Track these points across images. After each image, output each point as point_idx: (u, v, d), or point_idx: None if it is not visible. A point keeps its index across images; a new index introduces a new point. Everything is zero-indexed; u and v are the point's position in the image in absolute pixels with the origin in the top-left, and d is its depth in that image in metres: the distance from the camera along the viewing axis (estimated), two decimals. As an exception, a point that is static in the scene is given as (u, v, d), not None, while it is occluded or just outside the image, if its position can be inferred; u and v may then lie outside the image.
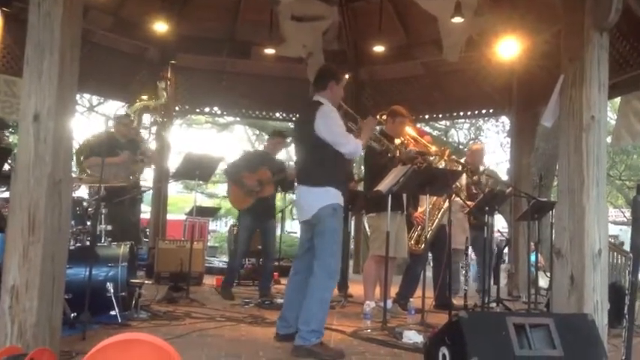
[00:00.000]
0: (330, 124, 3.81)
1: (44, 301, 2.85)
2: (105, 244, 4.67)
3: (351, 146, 3.86)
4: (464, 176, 5.91)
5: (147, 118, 7.34)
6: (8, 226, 2.88)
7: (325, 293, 3.72)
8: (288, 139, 8.82)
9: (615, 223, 21.35)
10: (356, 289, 6.69)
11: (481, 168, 6.59)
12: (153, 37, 8.30)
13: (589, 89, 3.61)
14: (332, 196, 3.80)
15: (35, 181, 2.86)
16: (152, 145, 6.04)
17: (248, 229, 6.37)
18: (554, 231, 3.99)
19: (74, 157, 5.70)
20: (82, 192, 5.00)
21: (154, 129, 7.17)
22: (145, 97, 6.55)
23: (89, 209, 4.58)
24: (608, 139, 6.86)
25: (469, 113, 9.83)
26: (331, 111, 3.89)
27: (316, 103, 3.92)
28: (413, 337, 4.07)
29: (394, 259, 5.35)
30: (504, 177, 9.02)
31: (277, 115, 10.37)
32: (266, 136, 12.10)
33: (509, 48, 7.26)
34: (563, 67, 3.77)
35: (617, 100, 7.91)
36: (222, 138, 22.34)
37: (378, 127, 5.39)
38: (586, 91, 3.61)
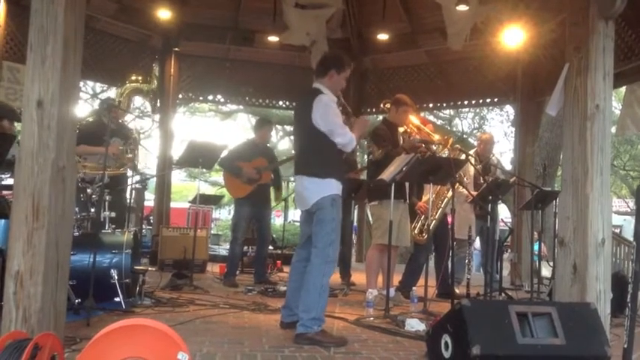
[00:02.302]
0: (327, 114, 3.78)
1: (48, 287, 2.86)
2: (109, 231, 4.68)
3: (347, 138, 3.81)
4: (471, 167, 5.90)
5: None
6: (12, 213, 2.89)
7: (323, 279, 3.71)
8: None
9: (619, 213, 21.31)
10: (358, 277, 6.71)
11: (492, 157, 6.58)
12: (156, 24, 8.29)
13: (594, 78, 3.59)
14: (332, 186, 3.78)
15: (39, 167, 2.86)
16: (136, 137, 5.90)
17: (246, 217, 6.43)
18: (557, 220, 3.99)
19: None
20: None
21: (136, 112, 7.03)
22: (133, 78, 6.46)
23: (92, 196, 4.58)
24: (613, 129, 6.83)
25: (473, 102, 9.82)
26: (330, 100, 3.85)
27: (315, 91, 3.88)
28: (415, 325, 4.08)
29: (397, 247, 5.36)
30: (508, 166, 9.00)
31: (280, 103, 10.35)
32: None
33: (514, 36, 7.23)
34: (568, 55, 3.75)
35: (622, 89, 7.87)
36: (225, 126, 22.36)
37: (381, 116, 5.39)
38: (591, 79, 3.59)
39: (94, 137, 5.26)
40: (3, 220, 4.05)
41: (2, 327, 2.81)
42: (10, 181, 4.06)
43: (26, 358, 1.93)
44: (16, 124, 5.14)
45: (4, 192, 4.07)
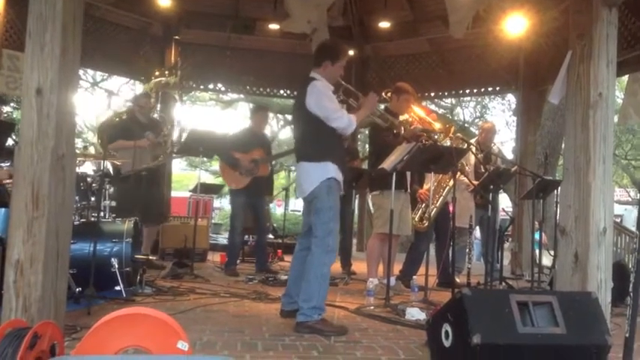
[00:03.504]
0: (320, 100, 3.76)
1: (48, 276, 2.85)
2: (109, 219, 4.68)
3: (344, 121, 3.78)
4: (472, 155, 5.88)
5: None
6: (12, 201, 2.88)
7: (324, 269, 3.71)
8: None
9: (620, 202, 21.31)
10: (359, 266, 6.71)
11: (493, 146, 6.55)
12: (157, 12, 8.23)
13: (597, 66, 3.56)
14: (328, 170, 3.76)
15: (39, 155, 2.84)
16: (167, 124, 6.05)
17: (242, 207, 6.43)
18: (559, 209, 3.98)
19: (97, 138, 5.76)
20: (87, 168, 5.00)
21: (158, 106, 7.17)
22: (158, 73, 6.55)
23: (93, 185, 4.58)
24: (615, 118, 6.79)
25: (475, 91, 9.80)
26: (323, 86, 3.83)
27: (309, 79, 3.87)
28: (416, 314, 4.09)
29: (397, 236, 5.35)
30: (509, 155, 8.98)
31: (281, 92, 10.31)
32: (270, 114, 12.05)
33: (516, 24, 7.17)
34: (571, 43, 3.72)
35: (624, 78, 7.83)
36: (226, 115, 22.32)
37: (382, 105, 5.35)
38: (594, 67, 3.56)
39: (128, 132, 5.37)
40: (3, 209, 4.05)
41: (2, 316, 2.81)
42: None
43: (25, 347, 1.93)
44: (17, 113, 5.15)
45: (5, 180, 4.06)
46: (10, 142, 3.95)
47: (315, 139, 3.81)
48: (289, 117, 19.01)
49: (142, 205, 5.37)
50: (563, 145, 6.85)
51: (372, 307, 4.50)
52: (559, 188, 5.27)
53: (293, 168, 9.02)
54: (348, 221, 6.75)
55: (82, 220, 4.49)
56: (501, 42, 7.94)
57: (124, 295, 4.15)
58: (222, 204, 23.31)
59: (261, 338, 3.36)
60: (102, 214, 4.68)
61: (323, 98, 3.77)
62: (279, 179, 21.85)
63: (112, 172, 5.39)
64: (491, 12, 7.12)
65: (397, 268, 5.70)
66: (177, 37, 8.73)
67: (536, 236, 6.53)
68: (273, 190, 7.33)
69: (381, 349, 3.25)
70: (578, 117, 3.61)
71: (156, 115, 6.26)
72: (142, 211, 5.27)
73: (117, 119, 5.79)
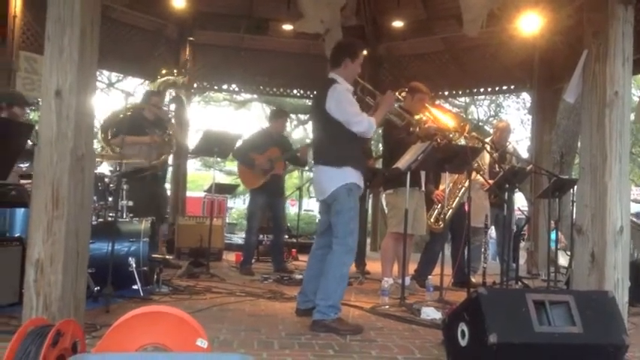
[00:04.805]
0: (341, 104, 3.76)
1: (68, 275, 2.90)
2: (126, 219, 4.73)
3: (364, 125, 3.78)
4: (487, 155, 5.86)
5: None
6: (32, 201, 2.92)
7: (343, 269, 3.75)
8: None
9: (637, 201, 21.05)
10: (373, 266, 6.71)
11: (508, 145, 6.52)
12: (171, 13, 8.31)
13: (613, 64, 3.54)
14: (348, 175, 3.77)
15: (58, 156, 2.88)
16: (173, 122, 6.09)
17: (261, 206, 6.48)
18: (575, 208, 3.96)
19: (99, 133, 5.79)
20: (104, 168, 5.05)
21: (172, 106, 7.23)
22: (164, 72, 6.58)
23: (110, 185, 4.63)
24: (632, 117, 6.73)
25: (489, 89, 9.74)
26: (344, 89, 3.83)
27: (329, 81, 3.87)
28: (431, 313, 4.08)
29: (412, 236, 5.35)
30: (525, 154, 8.93)
31: (295, 92, 10.35)
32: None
33: (531, 22, 7.14)
34: (587, 41, 3.70)
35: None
36: (239, 115, 22.39)
37: (396, 104, 5.35)
38: (610, 66, 3.55)
39: (135, 129, 5.40)
40: (23, 209, 4.11)
41: (23, 314, 2.86)
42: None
43: (48, 344, 1.96)
44: (34, 114, 5.23)
45: (23, 181, 4.12)
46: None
47: (335, 144, 3.81)
48: (302, 117, 19.04)
49: (145, 204, 5.38)
50: (579, 144, 6.81)
51: (387, 307, 4.50)
52: (575, 187, 5.24)
53: (306, 168, 9.02)
54: (362, 220, 6.75)
55: (100, 219, 4.54)
56: (516, 40, 7.91)
57: (142, 293, 4.19)
58: (236, 204, 23.40)
59: (278, 337, 3.38)
60: (119, 213, 4.73)
61: (344, 102, 3.77)
62: (292, 179, 21.88)
63: (129, 171, 5.43)
64: (506, 10, 7.09)
65: (412, 267, 5.70)
66: (191, 38, 8.80)
67: (552, 236, 6.50)
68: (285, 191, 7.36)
69: (397, 348, 3.25)
70: (594, 116, 3.60)
71: (163, 113, 6.28)
72: (153, 209, 5.31)
73: (121, 115, 5.81)
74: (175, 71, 6.85)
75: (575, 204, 4.53)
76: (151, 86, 6.62)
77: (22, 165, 4.13)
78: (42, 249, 2.85)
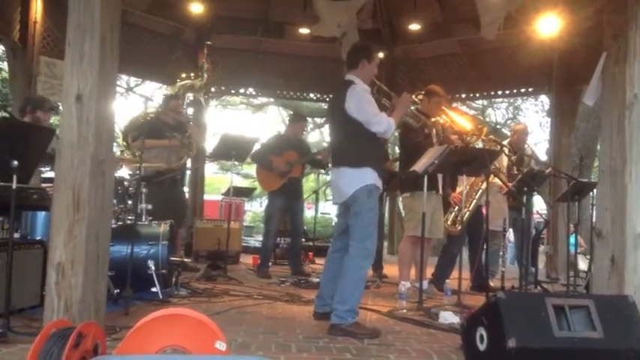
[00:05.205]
0: (361, 103, 3.77)
1: (89, 278, 2.93)
2: (145, 222, 4.77)
3: (384, 125, 3.79)
4: (504, 157, 5.82)
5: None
6: (54, 205, 2.97)
7: (361, 272, 3.75)
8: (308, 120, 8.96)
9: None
10: (390, 269, 6.70)
11: (526, 148, 6.47)
12: (189, 18, 8.38)
13: (633, 66, 3.49)
14: (368, 176, 3.77)
15: (79, 160, 2.92)
16: (192, 125, 6.15)
17: (279, 209, 6.51)
18: (595, 212, 3.92)
19: (121, 137, 5.85)
20: (124, 172, 5.11)
21: (190, 110, 7.29)
22: (184, 76, 6.64)
23: (130, 188, 4.68)
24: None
25: (507, 92, 9.70)
26: (363, 90, 3.84)
27: (348, 82, 3.87)
28: (449, 317, 4.06)
29: (429, 239, 5.33)
30: (543, 157, 8.85)
31: (311, 95, 10.37)
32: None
33: (549, 24, 7.09)
34: (606, 43, 3.67)
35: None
36: (256, 119, 22.48)
37: (413, 107, 5.35)
38: (629, 68, 3.50)
39: (155, 133, 5.46)
40: (44, 213, 4.17)
41: (45, 316, 2.90)
42: (50, 174, 4.19)
43: (71, 346, 1.99)
44: (55, 118, 5.30)
45: (45, 185, 4.19)
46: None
47: (355, 144, 3.80)
48: (319, 120, 19.05)
49: (166, 207, 5.44)
50: (598, 147, 6.74)
51: (404, 311, 4.49)
52: (595, 190, 5.19)
53: (322, 171, 9.02)
54: (379, 224, 6.75)
55: (120, 223, 4.59)
56: (534, 42, 7.84)
57: (161, 296, 4.23)
58: (253, 207, 23.46)
59: (295, 340, 3.39)
60: (138, 216, 4.77)
61: (363, 102, 3.78)
62: (309, 182, 21.89)
63: (148, 174, 5.48)
64: (524, 12, 7.04)
65: (429, 271, 5.67)
66: (208, 42, 8.85)
67: (572, 239, 6.43)
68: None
69: (415, 352, 3.24)
70: (613, 118, 3.56)
71: (183, 117, 6.34)
72: (171, 212, 5.35)
73: (142, 120, 5.88)
74: (193, 75, 6.91)
75: (594, 207, 4.48)
76: (171, 90, 6.69)
77: (42, 169, 4.20)
78: (63, 252, 2.89)
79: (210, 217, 8.74)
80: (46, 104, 4.98)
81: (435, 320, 4.08)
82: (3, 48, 9.86)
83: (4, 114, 4.81)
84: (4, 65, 11.29)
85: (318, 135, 20.86)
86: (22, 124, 4.14)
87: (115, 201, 4.40)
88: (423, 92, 5.44)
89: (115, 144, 3.63)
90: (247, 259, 7.47)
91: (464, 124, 5.30)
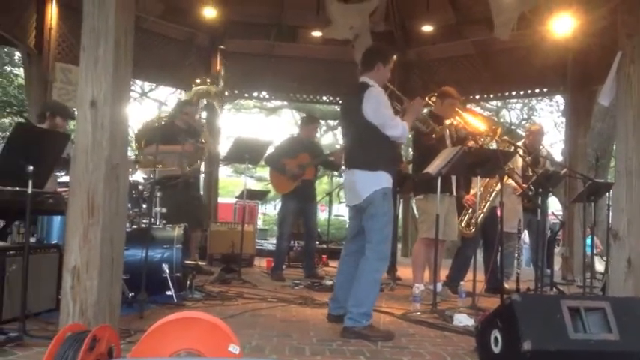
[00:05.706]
0: (378, 107, 3.75)
1: (104, 281, 2.95)
2: (160, 226, 4.80)
3: (399, 130, 3.78)
4: (519, 158, 5.78)
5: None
6: (69, 209, 2.99)
7: (376, 275, 3.74)
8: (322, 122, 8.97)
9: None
10: (404, 272, 6.68)
11: (541, 149, 6.41)
12: (202, 22, 8.43)
13: (648, 66, 3.48)
14: (383, 179, 3.76)
15: (94, 165, 2.94)
16: (206, 132, 6.19)
17: (292, 212, 6.52)
18: (611, 213, 3.88)
19: (134, 142, 5.89)
20: (138, 176, 5.14)
21: (204, 114, 7.33)
22: (198, 81, 6.69)
23: (144, 192, 4.71)
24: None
25: (522, 93, 9.64)
26: (379, 93, 3.82)
27: (364, 85, 3.86)
28: (464, 320, 4.04)
29: (443, 241, 5.30)
30: (558, 158, 8.78)
31: (324, 98, 10.39)
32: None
33: (563, 24, 7.04)
34: (621, 43, 3.65)
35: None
36: (270, 122, 22.54)
37: (426, 109, 5.33)
38: (645, 67, 3.48)
39: (168, 138, 5.51)
40: (60, 217, 4.21)
41: (60, 319, 2.92)
42: (65, 179, 4.23)
43: (85, 349, 2.00)
44: (70, 123, 5.35)
45: (60, 189, 4.23)
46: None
47: (370, 147, 3.80)
48: (332, 122, 19.06)
49: (186, 211, 5.49)
50: (614, 147, 6.68)
51: (418, 313, 4.48)
52: (611, 191, 5.14)
53: (335, 173, 9.03)
54: (393, 226, 6.75)
55: (134, 226, 4.62)
56: (548, 43, 7.79)
57: (175, 299, 4.25)
58: (267, 210, 23.51)
59: (309, 343, 3.39)
60: (153, 220, 4.80)
61: (381, 105, 3.76)
62: (322, 184, 21.89)
63: (161, 178, 5.52)
64: (537, 13, 7.00)
65: (443, 273, 5.65)
66: (222, 46, 8.91)
67: (588, 241, 6.37)
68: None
69: (429, 354, 3.23)
70: (629, 118, 3.53)
71: (196, 123, 6.38)
72: (187, 216, 5.39)
73: (156, 124, 5.92)
74: (208, 80, 6.95)
75: (610, 208, 4.43)
76: (186, 96, 6.74)
77: (57, 174, 4.24)
78: (78, 255, 2.91)
79: (224, 220, 8.77)
80: (67, 112, 5.03)
81: (449, 322, 4.06)
82: (19, 54, 10.00)
83: (21, 119, 4.87)
84: (21, 71, 11.45)
85: (332, 137, 20.87)
86: (38, 129, 4.18)
87: (129, 205, 4.43)
88: (436, 94, 5.42)
89: (129, 148, 3.66)
90: (261, 262, 7.49)
91: (478, 125, 5.27)
